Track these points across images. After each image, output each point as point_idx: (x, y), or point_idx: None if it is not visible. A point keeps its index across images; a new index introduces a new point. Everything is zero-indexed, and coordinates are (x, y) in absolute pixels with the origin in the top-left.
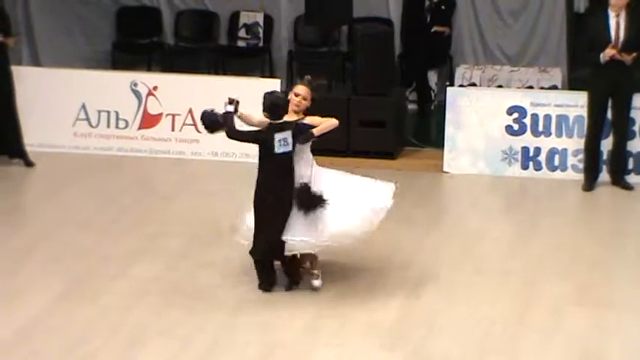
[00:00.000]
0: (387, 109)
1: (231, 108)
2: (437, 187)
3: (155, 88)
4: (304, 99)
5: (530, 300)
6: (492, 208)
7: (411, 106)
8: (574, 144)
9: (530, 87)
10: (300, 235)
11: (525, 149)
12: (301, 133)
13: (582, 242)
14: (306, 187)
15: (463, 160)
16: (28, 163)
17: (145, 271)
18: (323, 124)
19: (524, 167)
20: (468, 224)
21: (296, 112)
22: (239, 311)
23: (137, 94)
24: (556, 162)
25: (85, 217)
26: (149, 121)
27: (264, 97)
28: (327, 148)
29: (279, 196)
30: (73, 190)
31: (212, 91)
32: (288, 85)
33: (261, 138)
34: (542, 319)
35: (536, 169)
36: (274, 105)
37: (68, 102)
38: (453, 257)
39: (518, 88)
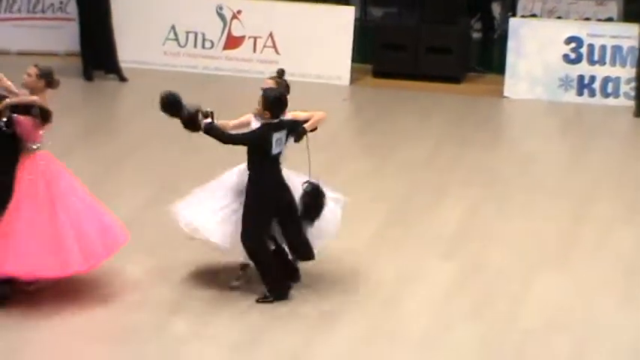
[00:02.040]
0: (454, 37)
1: (209, 120)
2: (497, 110)
3: (239, 12)
4: None
5: (581, 218)
6: (548, 131)
7: (476, 35)
8: (627, 73)
9: (588, 19)
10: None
11: (581, 77)
12: (294, 130)
13: (632, 164)
14: (318, 189)
15: (522, 85)
16: (122, 79)
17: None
18: (314, 117)
19: (580, 94)
20: (525, 146)
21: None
22: None
23: (222, 17)
24: (609, 89)
25: (172, 131)
26: (233, 42)
27: (265, 95)
28: (396, 72)
29: (290, 196)
30: None
31: (291, 16)
32: (362, 13)
33: (261, 138)
34: (591, 235)
35: (590, 96)
36: (275, 100)
37: (159, 22)
38: (510, 176)
39: (576, 19)
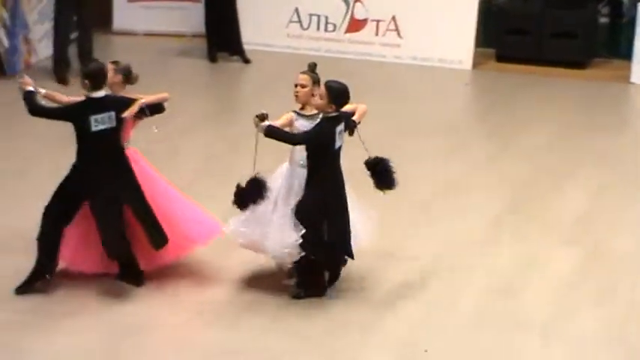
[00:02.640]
0: (580, 22)
1: (267, 122)
2: (623, 96)
3: None
4: (303, 87)
5: None
6: None
7: (602, 20)
8: None
9: None
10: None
11: None
12: (347, 123)
13: None
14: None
15: None
16: (246, 60)
17: (350, 164)
18: (359, 110)
19: None
20: None
21: (302, 103)
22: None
23: (346, 1)
24: None
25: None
26: (355, 25)
27: (331, 87)
28: (517, 57)
29: (344, 193)
30: (285, 86)
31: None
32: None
33: (326, 134)
34: None
35: None
36: (343, 92)
37: (283, 5)
38: (635, 163)
39: None
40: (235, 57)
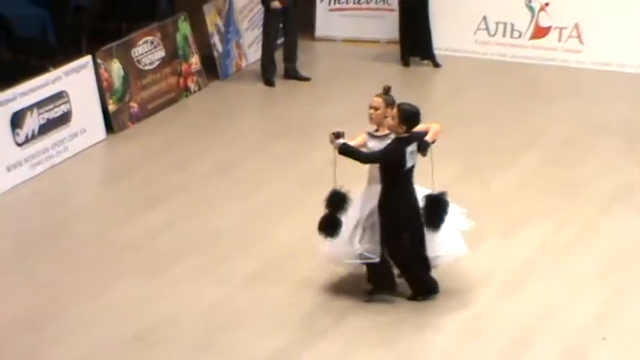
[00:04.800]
0: None
1: (342, 140)
2: None
3: (547, 4)
4: (376, 109)
5: None
6: None
7: None
8: None
9: None
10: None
11: None
12: (421, 142)
13: None
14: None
15: None
16: (436, 65)
17: (529, 162)
18: (432, 130)
19: None
20: None
21: (376, 124)
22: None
23: (531, 9)
24: None
25: (480, 113)
26: (539, 32)
27: (403, 109)
28: None
29: (418, 211)
30: (472, 90)
31: (598, 7)
32: None
33: (396, 154)
34: None
35: None
36: (414, 115)
37: (471, 14)
38: None
39: None
40: (426, 61)
